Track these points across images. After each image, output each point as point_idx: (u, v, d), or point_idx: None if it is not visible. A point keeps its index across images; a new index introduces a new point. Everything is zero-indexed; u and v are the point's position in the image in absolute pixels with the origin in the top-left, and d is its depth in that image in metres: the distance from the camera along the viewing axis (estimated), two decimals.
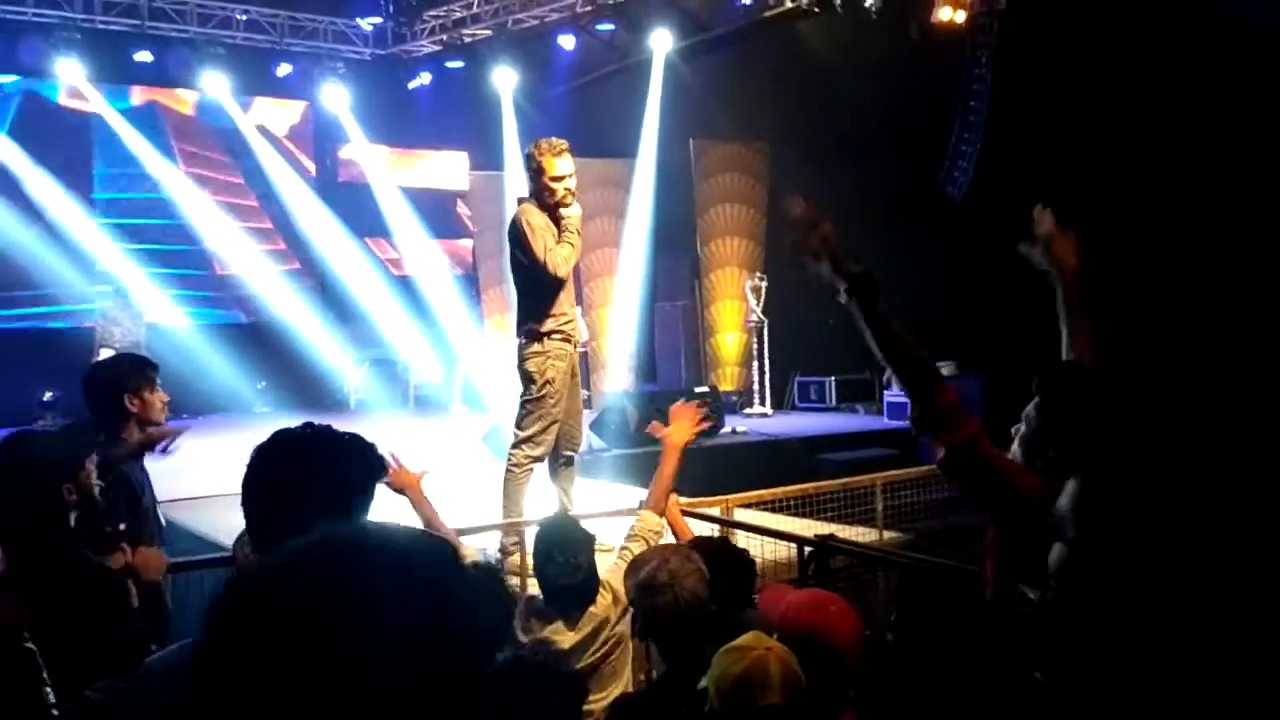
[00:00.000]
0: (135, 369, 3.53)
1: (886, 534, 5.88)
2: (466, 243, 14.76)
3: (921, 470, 6.40)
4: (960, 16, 10.21)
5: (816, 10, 10.26)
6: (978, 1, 10.24)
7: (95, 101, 12.51)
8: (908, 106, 10.83)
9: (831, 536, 3.96)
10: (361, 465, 1.69)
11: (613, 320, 12.86)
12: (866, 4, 10.03)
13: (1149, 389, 2.32)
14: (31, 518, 2.35)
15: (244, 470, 1.66)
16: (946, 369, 10.56)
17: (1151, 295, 8.23)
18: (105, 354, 9.14)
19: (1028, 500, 2.17)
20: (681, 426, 3.72)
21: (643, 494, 5.49)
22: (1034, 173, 9.69)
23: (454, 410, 13.45)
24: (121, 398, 3.40)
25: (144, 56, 12.07)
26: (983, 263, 10.28)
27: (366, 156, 14.39)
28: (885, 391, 10.92)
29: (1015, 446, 2.45)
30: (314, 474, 1.63)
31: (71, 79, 11.89)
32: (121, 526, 3.05)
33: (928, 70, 10.63)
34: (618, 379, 12.58)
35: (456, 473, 8.05)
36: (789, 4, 10.32)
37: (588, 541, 3.32)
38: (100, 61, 11.82)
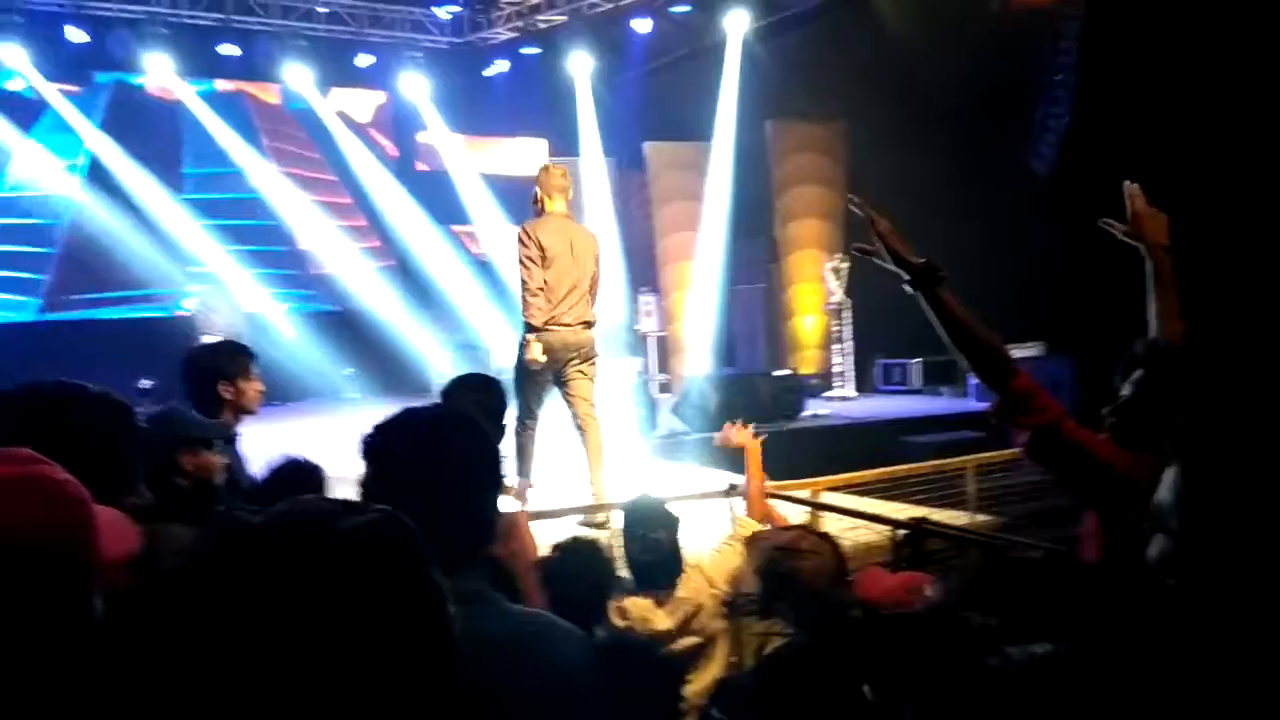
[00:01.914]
0: (233, 355, 3.57)
1: (979, 517, 5.76)
2: None
3: (1013, 452, 6.26)
4: None
5: None
6: None
7: (183, 92, 12.81)
8: (990, 81, 10.57)
9: (925, 520, 3.90)
10: (489, 449, 1.69)
11: (691, 304, 12.81)
12: None
13: (1246, 368, 2.22)
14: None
15: (365, 446, 1.65)
16: (1034, 350, 10.34)
17: (1245, 273, 7.93)
18: (207, 341, 9.40)
19: (1129, 480, 2.08)
20: (742, 433, 4.14)
21: (723, 476, 5.48)
22: (1124, 148, 9.40)
23: None
24: (217, 383, 3.44)
25: (229, 50, 12.34)
26: (1071, 240, 10.02)
27: (444, 144, 14.52)
28: (970, 373, 10.72)
29: (1107, 421, 2.37)
30: (443, 454, 1.63)
31: (159, 73, 12.21)
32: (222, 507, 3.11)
33: (1011, 43, 10.35)
34: (697, 363, 12.54)
35: (541, 458, 8.12)
36: None
37: (670, 519, 3.36)
38: (187, 55, 12.11)
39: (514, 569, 2.31)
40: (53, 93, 12.14)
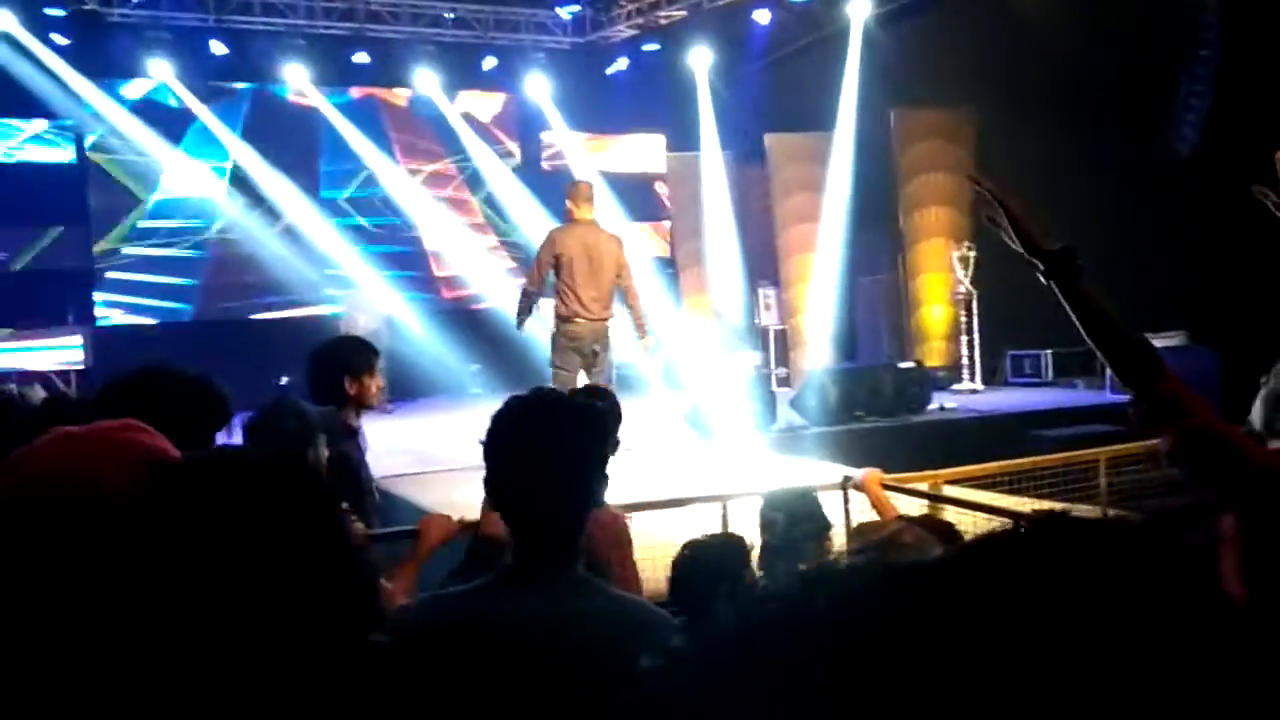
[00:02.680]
0: (358, 351, 3.70)
1: (1111, 513, 5.54)
2: (665, 224, 14.90)
3: (1150, 445, 5.97)
4: None
5: None
6: None
7: (317, 103, 13.36)
8: (1126, 60, 10.14)
9: (1053, 512, 3.76)
10: (599, 432, 1.76)
11: (812, 297, 12.67)
12: None
13: None
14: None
15: (488, 432, 1.75)
16: (1176, 339, 9.87)
17: None
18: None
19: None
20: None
21: (842, 470, 5.41)
22: (1270, 127, 8.88)
23: (655, 390, 13.64)
24: (342, 378, 3.56)
25: (361, 58, 12.79)
26: (1215, 224, 9.53)
27: (567, 142, 14.73)
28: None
29: (1257, 405, 2.25)
30: (556, 439, 1.70)
31: (296, 82, 12.76)
32: (344, 505, 3.19)
33: (1148, 18, 9.90)
34: (817, 356, 12.40)
35: (660, 451, 8.18)
36: None
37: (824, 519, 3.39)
38: (321, 64, 12.62)
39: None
40: (197, 104, 12.81)
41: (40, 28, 11.00)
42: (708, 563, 2.83)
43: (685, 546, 2.97)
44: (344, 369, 3.57)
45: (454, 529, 3.19)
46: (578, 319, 6.70)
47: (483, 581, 1.78)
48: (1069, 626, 0.57)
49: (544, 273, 6.84)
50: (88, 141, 12.41)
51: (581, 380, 6.68)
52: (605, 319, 6.89)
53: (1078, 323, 2.08)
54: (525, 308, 7.06)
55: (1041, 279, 2.07)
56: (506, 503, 1.74)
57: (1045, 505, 4.55)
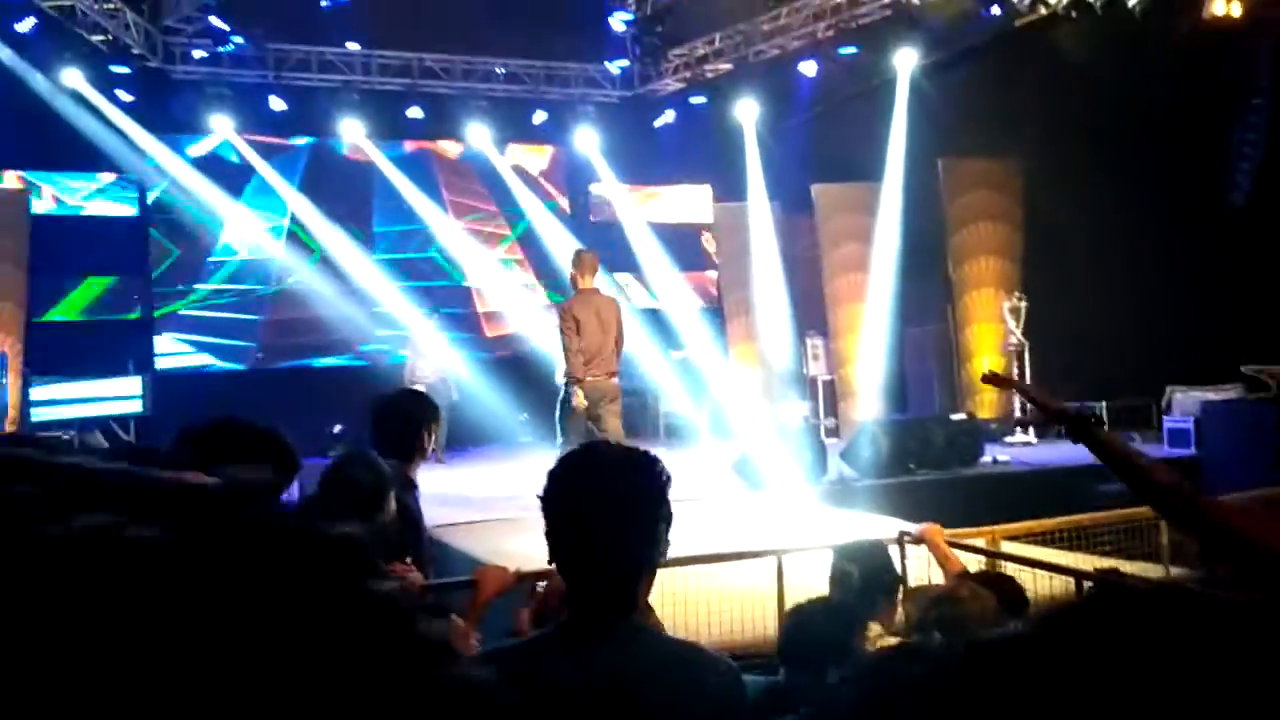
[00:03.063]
0: (426, 403, 3.78)
1: (1174, 570, 5.43)
2: (712, 274, 14.97)
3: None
4: (1236, 10, 9.41)
5: (1073, 15, 9.72)
6: None
7: (373, 153, 13.65)
8: (1178, 109, 10.09)
9: (1115, 571, 3.71)
10: (658, 486, 1.77)
11: (861, 347, 12.62)
12: (1130, 4, 9.40)
13: None
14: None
15: (546, 488, 1.76)
16: (1232, 393, 9.70)
17: None
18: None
19: None
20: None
21: (895, 524, 5.36)
22: None
23: (703, 439, 13.62)
24: (416, 430, 3.64)
25: (415, 113, 13.06)
26: (1271, 274, 9.40)
27: (615, 194, 14.90)
28: (1165, 418, 10.13)
29: None
30: (612, 493, 1.72)
31: (352, 136, 13.06)
32: (408, 560, 3.21)
33: (1199, 67, 9.86)
34: (867, 406, 12.32)
35: (709, 502, 8.14)
36: (1042, 11, 9.82)
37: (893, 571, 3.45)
38: (377, 119, 12.91)
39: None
40: (257, 159, 13.16)
41: (106, 84, 11.38)
42: (816, 629, 2.81)
43: (792, 611, 2.95)
44: (418, 421, 3.64)
45: (510, 580, 3.21)
46: (589, 379, 7.19)
47: (539, 635, 1.79)
48: (1140, 700, 0.68)
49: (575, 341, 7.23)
50: (150, 195, 12.76)
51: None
52: (614, 373, 7.42)
53: (1111, 470, 2.14)
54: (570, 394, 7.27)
55: (1069, 439, 2.16)
56: (563, 557, 1.75)
57: (1107, 563, 4.47)
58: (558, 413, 7.40)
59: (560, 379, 7.70)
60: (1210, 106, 9.99)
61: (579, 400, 7.05)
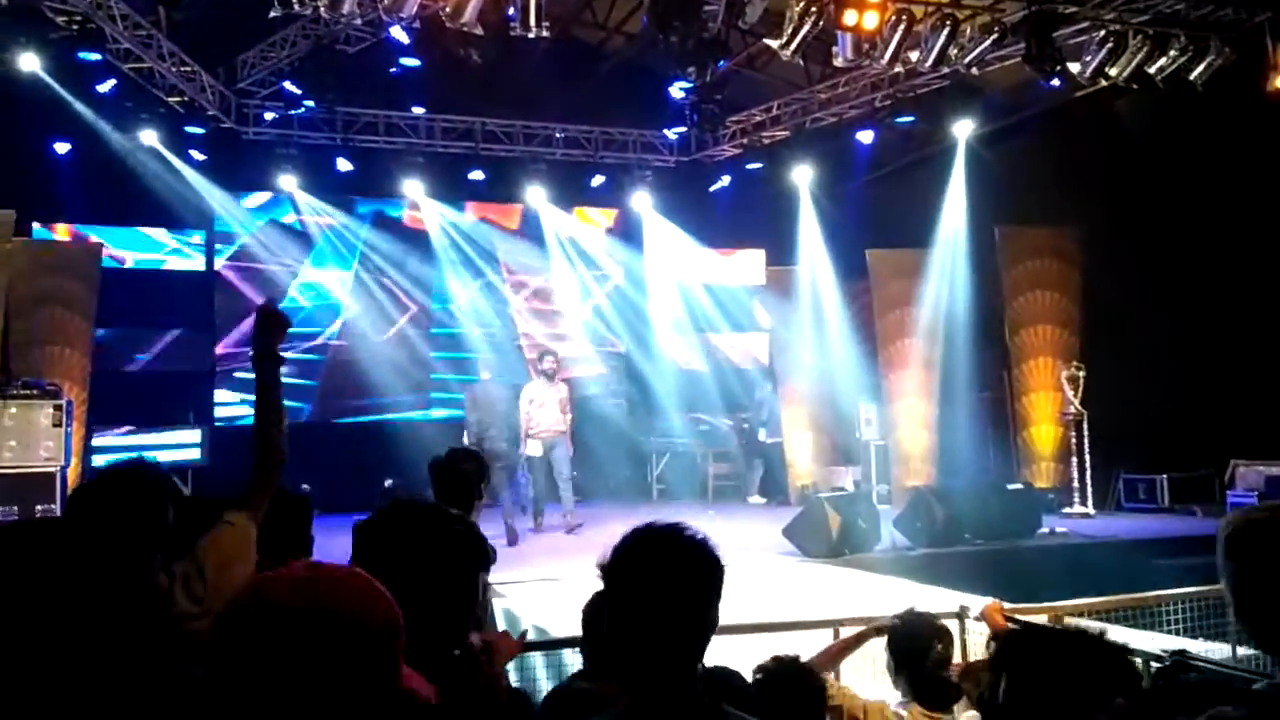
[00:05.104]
0: (482, 462, 3.88)
1: (1242, 650, 5.26)
2: (762, 335, 14.98)
3: None
4: None
5: (1134, 87, 9.70)
6: None
7: (432, 219, 13.97)
8: (1236, 182, 10.00)
9: (1184, 652, 3.61)
10: (717, 565, 1.77)
11: (914, 412, 12.50)
12: (1191, 77, 9.37)
13: None
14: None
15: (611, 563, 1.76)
16: None
17: None
18: (493, 437, 10.29)
19: None
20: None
21: (952, 596, 5.27)
22: None
23: (751, 501, 13.53)
24: (479, 489, 3.74)
25: (476, 175, 13.32)
26: None
27: (671, 256, 15.04)
28: (1229, 492, 9.88)
29: None
30: (677, 575, 1.72)
31: (414, 197, 13.36)
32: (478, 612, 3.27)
33: (1260, 143, 9.77)
34: (920, 473, 12.17)
35: (757, 566, 8.07)
36: (1103, 83, 9.80)
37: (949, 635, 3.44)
38: (439, 181, 13.19)
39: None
40: (322, 219, 13.51)
41: (180, 143, 11.76)
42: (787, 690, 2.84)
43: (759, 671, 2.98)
44: (478, 481, 3.73)
45: (516, 649, 3.14)
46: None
47: (607, 715, 1.78)
48: None
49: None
50: (219, 251, 13.11)
51: None
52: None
53: None
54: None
55: None
56: (625, 636, 1.74)
57: (1175, 643, 4.36)
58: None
59: None
60: (1271, 179, 9.88)
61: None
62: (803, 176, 13.29)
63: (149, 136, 11.30)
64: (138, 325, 12.60)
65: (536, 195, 13.65)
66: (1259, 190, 9.85)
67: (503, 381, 11.24)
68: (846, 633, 4.40)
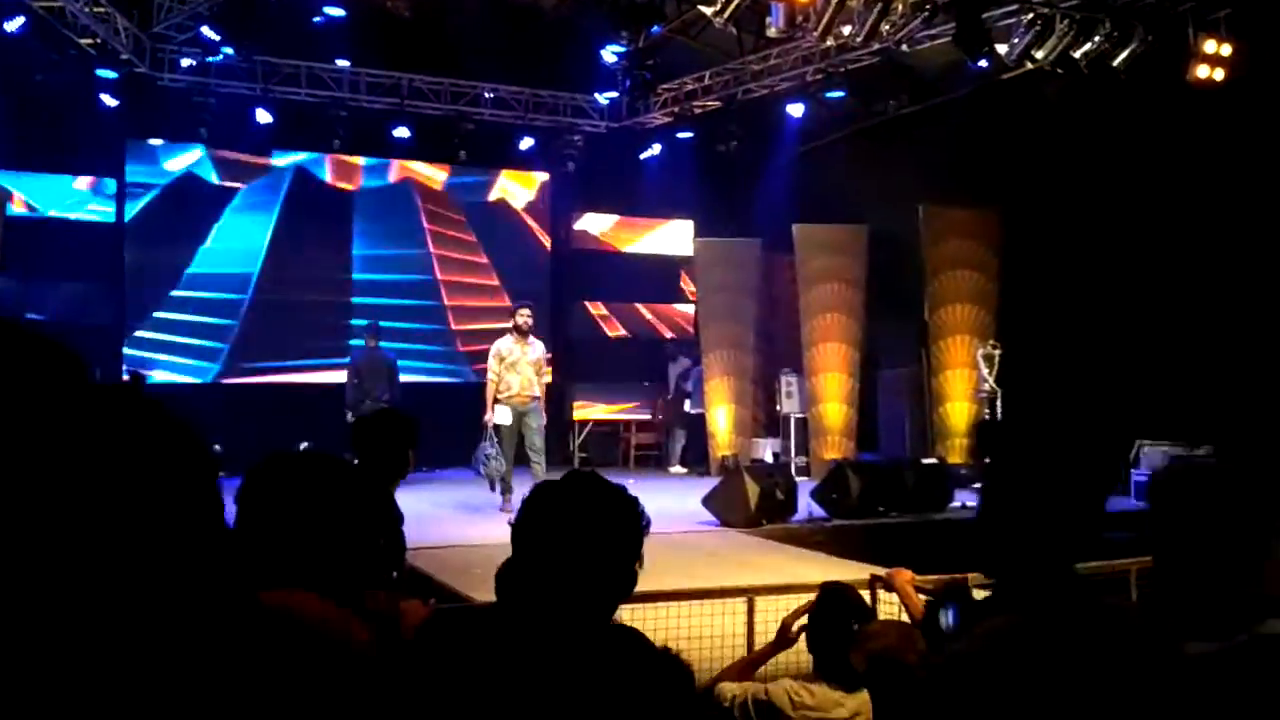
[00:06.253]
0: (414, 426, 3.78)
1: None
2: (689, 308, 15.00)
3: None
4: (1219, 74, 9.59)
5: (1059, 71, 9.87)
6: (1239, 59, 9.58)
7: (355, 179, 13.66)
8: (1155, 167, 10.24)
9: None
10: (635, 520, 1.75)
11: (835, 387, 12.65)
12: (1114, 63, 9.57)
13: None
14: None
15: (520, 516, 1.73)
16: (1202, 451, 9.78)
17: None
18: (370, 406, 9.81)
19: None
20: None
21: (864, 568, 5.34)
22: None
23: (672, 470, 13.60)
24: (409, 451, 3.64)
25: (402, 132, 13.04)
26: (1257, 337, 9.51)
27: (598, 224, 14.95)
28: (1133, 471, 10.20)
29: None
30: (592, 525, 1.69)
31: (337, 152, 13.03)
32: (395, 575, 3.21)
33: (1180, 129, 10.02)
34: (838, 446, 12.35)
35: (679, 538, 8.10)
36: (1029, 65, 9.97)
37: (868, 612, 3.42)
38: (363, 137, 12.87)
39: None
40: (239, 174, 13.12)
41: (92, 88, 11.28)
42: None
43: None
44: (409, 442, 3.64)
45: (423, 614, 3.10)
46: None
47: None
48: None
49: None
50: (130, 203, 12.66)
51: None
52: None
53: None
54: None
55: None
56: (530, 587, 1.69)
57: None
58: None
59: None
60: (1188, 165, 10.14)
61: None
62: (732, 148, 13.27)
63: (57, 78, 10.81)
64: (46, 278, 12.07)
65: (463, 156, 13.41)
66: (1177, 176, 10.10)
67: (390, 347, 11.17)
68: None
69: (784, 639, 3.41)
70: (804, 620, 3.35)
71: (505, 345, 9.44)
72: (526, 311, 9.60)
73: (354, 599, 1.76)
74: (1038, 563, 1.91)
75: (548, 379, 9.69)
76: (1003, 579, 2.04)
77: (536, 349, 9.51)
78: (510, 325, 9.68)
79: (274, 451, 1.89)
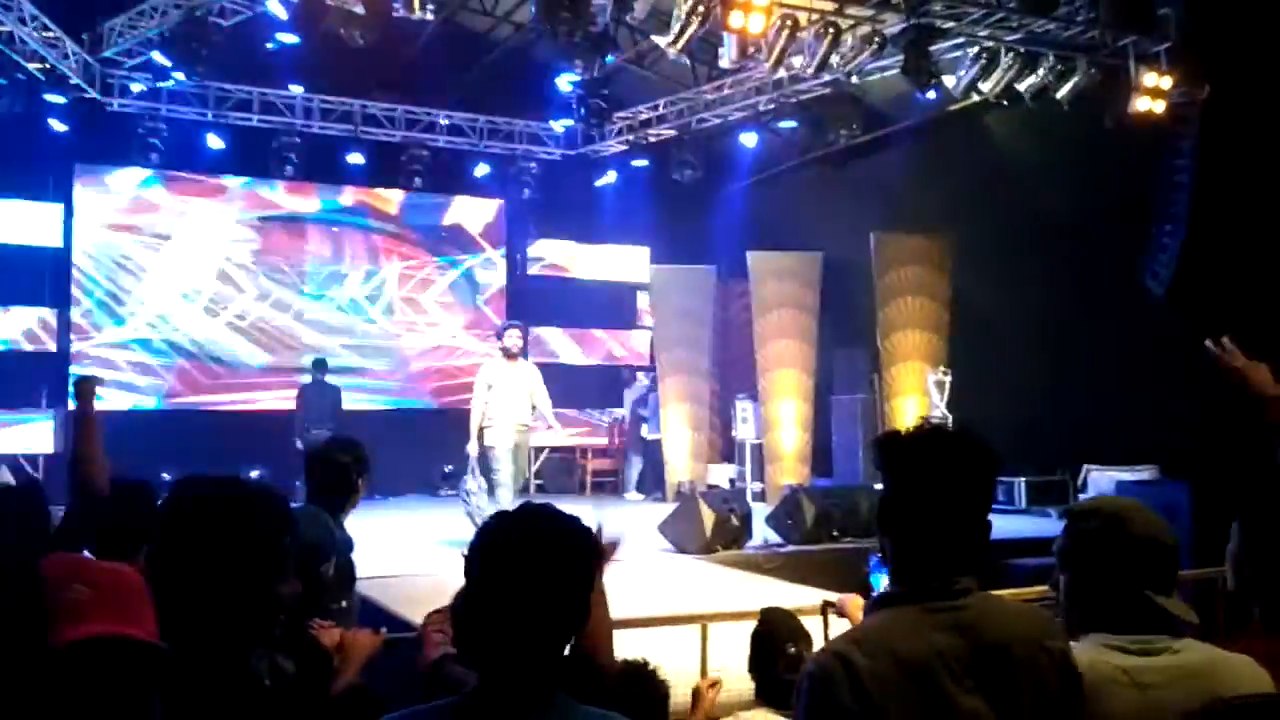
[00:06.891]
0: (364, 453, 3.74)
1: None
2: (644, 334, 15.05)
3: None
4: (1160, 107, 9.84)
5: (1005, 103, 10.09)
6: (1178, 92, 9.85)
7: (310, 201, 13.58)
8: (1102, 198, 10.47)
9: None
10: (590, 553, 1.75)
11: (789, 413, 12.73)
12: (1058, 95, 9.81)
13: None
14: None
15: (473, 547, 1.71)
16: (1147, 474, 9.95)
17: None
18: (317, 434, 9.64)
19: None
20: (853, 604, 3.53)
21: (818, 594, 5.35)
22: (1241, 265, 9.14)
23: (629, 497, 13.59)
24: (356, 479, 3.61)
25: (356, 159, 12.99)
26: (1186, 361, 9.72)
27: (553, 251, 14.96)
28: (1080, 495, 10.35)
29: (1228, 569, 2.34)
30: (546, 560, 1.68)
31: (289, 179, 12.95)
32: (344, 604, 3.16)
33: (1123, 161, 10.27)
34: (793, 472, 12.41)
35: (633, 564, 8.08)
36: (975, 97, 10.19)
37: (806, 634, 3.36)
38: (316, 163, 12.80)
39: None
40: (189, 199, 12.99)
41: (40, 112, 11.12)
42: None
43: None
44: (358, 471, 3.61)
45: (378, 645, 3.02)
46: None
47: (446, 703, 1.72)
48: None
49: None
50: (76, 227, 12.48)
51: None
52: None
53: None
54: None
55: None
56: (482, 623, 1.68)
57: None
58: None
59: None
60: (1133, 196, 10.38)
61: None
62: (687, 176, 13.37)
63: (5, 103, 10.64)
64: None
65: (418, 183, 13.39)
66: (1117, 204, 10.33)
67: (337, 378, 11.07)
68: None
69: (699, 706, 3.33)
70: (716, 682, 3.30)
71: (494, 369, 8.72)
72: (515, 332, 8.87)
73: (292, 629, 1.75)
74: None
75: (548, 402, 8.90)
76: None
77: (527, 372, 8.87)
78: (502, 348, 8.86)
79: (185, 478, 1.87)
